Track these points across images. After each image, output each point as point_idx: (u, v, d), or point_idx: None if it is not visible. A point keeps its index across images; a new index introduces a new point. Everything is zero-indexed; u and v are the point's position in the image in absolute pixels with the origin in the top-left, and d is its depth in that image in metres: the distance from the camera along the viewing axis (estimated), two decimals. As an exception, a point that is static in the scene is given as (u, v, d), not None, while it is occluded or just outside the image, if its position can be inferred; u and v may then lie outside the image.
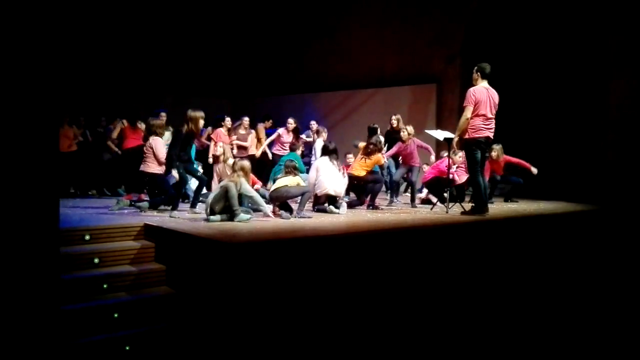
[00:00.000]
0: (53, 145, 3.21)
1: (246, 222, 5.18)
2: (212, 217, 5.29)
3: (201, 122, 6.13)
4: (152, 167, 6.20)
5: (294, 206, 6.12)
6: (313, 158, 8.33)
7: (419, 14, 11.28)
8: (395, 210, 6.95)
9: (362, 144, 7.55)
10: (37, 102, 3.08)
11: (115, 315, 3.91)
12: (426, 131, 8.30)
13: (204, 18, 13.33)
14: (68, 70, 9.93)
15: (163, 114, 7.48)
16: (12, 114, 2.98)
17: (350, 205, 7.01)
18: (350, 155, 8.35)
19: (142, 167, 6.25)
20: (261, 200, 5.71)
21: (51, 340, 3.21)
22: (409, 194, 9.00)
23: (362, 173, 6.98)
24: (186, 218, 5.55)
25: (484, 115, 5.93)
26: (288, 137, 8.48)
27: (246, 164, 5.77)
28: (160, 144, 6.23)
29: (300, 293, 4.07)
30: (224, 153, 7.30)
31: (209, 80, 13.31)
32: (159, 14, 12.33)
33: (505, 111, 8.38)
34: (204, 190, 6.62)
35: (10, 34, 2.94)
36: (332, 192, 6.45)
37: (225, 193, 5.38)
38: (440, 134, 7.44)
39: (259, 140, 8.68)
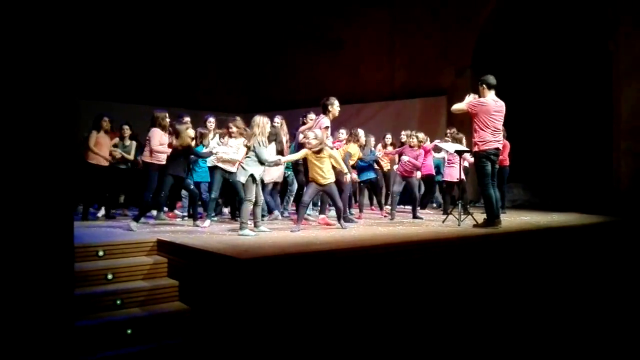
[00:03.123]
0: (68, 158, 3.21)
1: (252, 237, 5.19)
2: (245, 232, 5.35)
3: (190, 132, 6.27)
4: (147, 157, 6.64)
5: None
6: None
7: (428, 27, 11.33)
8: (407, 223, 6.92)
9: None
10: (53, 109, 3.08)
11: (129, 331, 3.91)
12: (437, 144, 8.30)
13: (212, 34, 13.50)
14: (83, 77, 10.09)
15: (187, 118, 7.47)
16: (26, 122, 2.99)
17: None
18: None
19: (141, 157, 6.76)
20: (266, 156, 5.63)
21: (65, 356, 3.21)
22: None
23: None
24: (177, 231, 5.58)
25: (493, 127, 5.92)
26: None
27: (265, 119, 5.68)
28: (156, 134, 6.54)
29: (313, 308, 4.05)
30: None
31: (218, 95, 13.43)
32: (166, 29, 12.50)
33: (517, 121, 8.40)
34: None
35: (24, 32, 2.95)
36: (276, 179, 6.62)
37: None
38: (451, 147, 7.44)
39: None
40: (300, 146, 6.72)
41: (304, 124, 7.21)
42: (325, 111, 6.54)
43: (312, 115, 7.13)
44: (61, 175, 3.15)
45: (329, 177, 5.95)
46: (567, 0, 9.89)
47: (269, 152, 5.86)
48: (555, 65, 10.62)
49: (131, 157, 7.83)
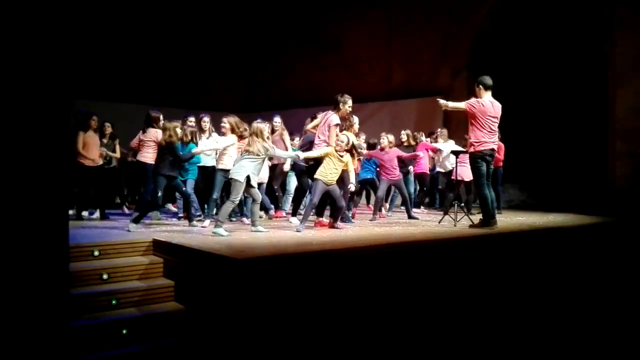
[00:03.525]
0: (62, 158, 3.20)
1: (226, 237, 5.20)
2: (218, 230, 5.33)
3: (178, 131, 6.18)
4: (145, 157, 6.66)
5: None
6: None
7: (425, 28, 11.35)
8: (403, 224, 6.92)
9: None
10: (49, 106, 3.06)
11: (124, 331, 3.90)
12: (433, 144, 8.32)
13: (210, 34, 13.49)
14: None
15: (191, 118, 7.37)
16: (20, 123, 2.97)
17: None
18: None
19: (138, 157, 6.82)
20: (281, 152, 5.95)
21: (60, 357, 3.20)
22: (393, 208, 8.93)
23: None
24: (176, 232, 5.58)
25: (489, 127, 5.93)
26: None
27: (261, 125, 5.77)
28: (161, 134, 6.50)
29: (309, 308, 4.05)
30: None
31: (217, 96, 13.42)
32: (165, 29, 12.49)
33: (513, 123, 8.40)
34: None
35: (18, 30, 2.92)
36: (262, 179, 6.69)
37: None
38: (447, 147, 7.46)
39: None
40: (311, 144, 6.63)
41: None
42: (336, 107, 6.30)
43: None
44: (56, 175, 3.14)
45: (336, 179, 6.02)
46: (563, 1, 9.91)
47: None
48: (551, 66, 10.64)
49: (117, 154, 7.76)
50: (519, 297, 5.51)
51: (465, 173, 7.67)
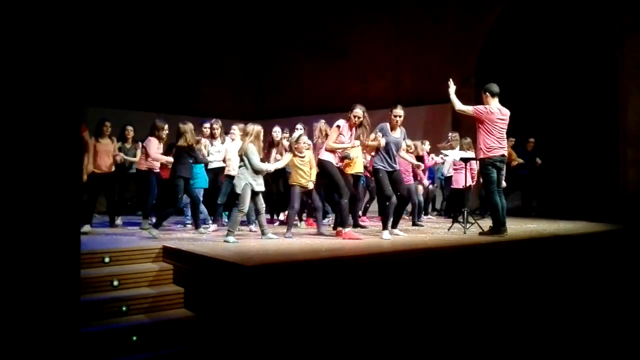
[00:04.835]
0: (76, 162, 3.21)
1: (235, 244, 5.20)
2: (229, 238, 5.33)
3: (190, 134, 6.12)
4: (142, 165, 6.88)
5: None
6: None
7: (433, 35, 11.36)
8: (413, 231, 6.90)
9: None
10: (61, 113, 3.08)
11: (134, 338, 3.91)
12: (442, 151, 8.31)
13: (219, 42, 13.57)
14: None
15: (206, 124, 7.29)
16: (33, 130, 2.99)
17: None
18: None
19: (136, 165, 7.08)
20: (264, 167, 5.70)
21: (71, 363, 3.21)
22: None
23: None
24: (188, 239, 5.61)
25: (497, 134, 5.92)
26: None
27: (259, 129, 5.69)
28: (153, 143, 6.52)
29: (319, 315, 4.04)
30: None
31: (225, 103, 13.47)
32: (175, 36, 12.58)
33: (522, 130, 8.38)
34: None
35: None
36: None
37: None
38: (457, 154, 7.43)
39: None
40: None
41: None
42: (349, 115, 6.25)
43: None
44: (67, 181, 3.16)
45: (312, 180, 6.22)
46: (573, 7, 9.89)
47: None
48: (561, 72, 10.60)
49: (136, 159, 7.72)
50: (529, 305, 5.46)
51: (458, 180, 7.75)
